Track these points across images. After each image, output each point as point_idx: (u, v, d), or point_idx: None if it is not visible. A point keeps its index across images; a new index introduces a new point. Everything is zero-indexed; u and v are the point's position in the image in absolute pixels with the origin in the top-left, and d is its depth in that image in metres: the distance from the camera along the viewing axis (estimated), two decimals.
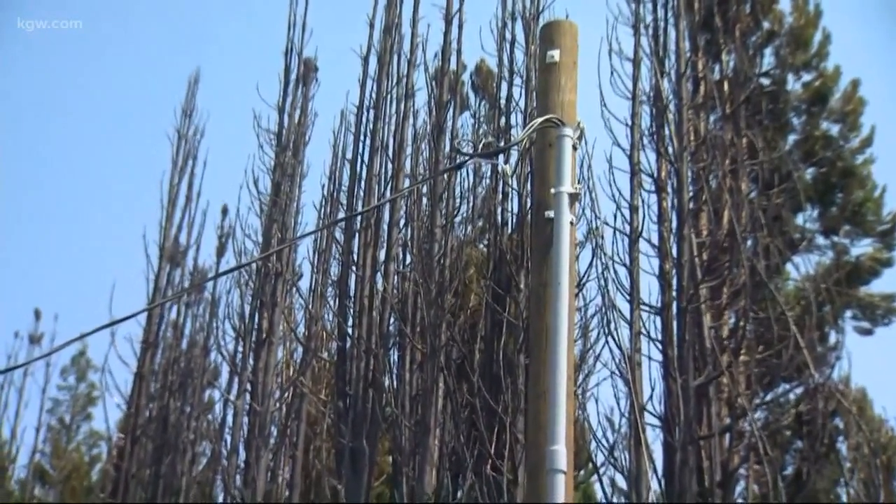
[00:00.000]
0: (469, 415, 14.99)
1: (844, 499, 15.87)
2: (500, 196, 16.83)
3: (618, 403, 14.86)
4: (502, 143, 15.69)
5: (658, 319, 14.83)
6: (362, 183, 17.72)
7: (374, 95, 18.14)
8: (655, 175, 15.53)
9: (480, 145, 18.57)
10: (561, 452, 5.12)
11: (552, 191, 5.67)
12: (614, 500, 15.33)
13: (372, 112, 18.08)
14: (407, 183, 17.44)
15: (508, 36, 17.50)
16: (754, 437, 14.40)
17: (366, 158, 17.83)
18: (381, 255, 17.15)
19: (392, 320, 16.68)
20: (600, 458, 14.91)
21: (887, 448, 16.70)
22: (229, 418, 18.01)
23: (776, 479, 14.23)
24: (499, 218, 16.72)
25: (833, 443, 15.20)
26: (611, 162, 15.44)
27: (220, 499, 17.98)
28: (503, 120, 17.27)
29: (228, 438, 17.85)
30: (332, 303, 17.92)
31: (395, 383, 16.17)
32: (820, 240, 18.12)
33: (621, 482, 14.95)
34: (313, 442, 17.99)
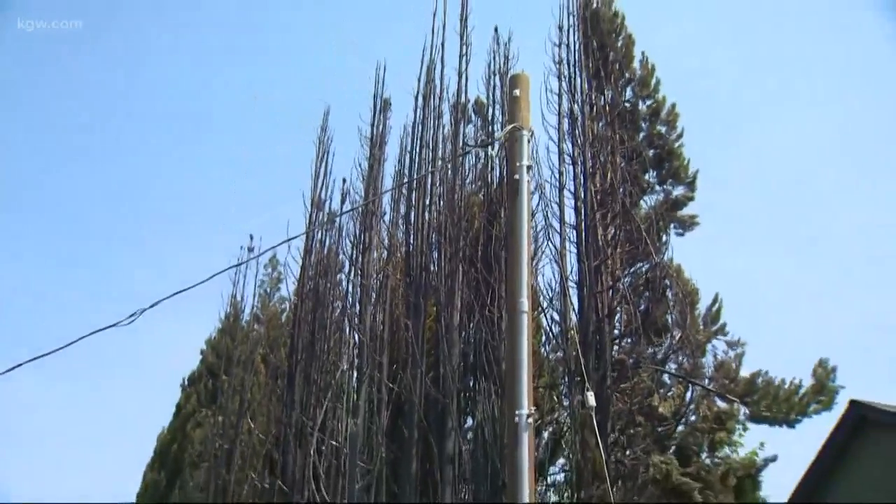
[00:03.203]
0: (476, 284, 15.05)
1: (670, 321, 15.78)
2: (490, 168, 16.75)
3: (554, 276, 14.97)
4: (490, 140, 15.54)
5: (574, 231, 14.82)
6: (416, 163, 17.60)
7: (422, 116, 17.94)
8: (572, 155, 15.45)
9: (478, 141, 18.34)
10: (525, 302, 5.17)
11: (517, 164, 5.63)
12: (553, 327, 15.39)
13: (420, 125, 17.88)
14: (440, 163, 17.28)
15: (492, 83, 17.35)
16: (625, 290, 14.45)
17: (418, 150, 17.68)
18: (427, 201, 17.07)
19: (434, 235, 16.63)
20: (545, 304, 15.02)
21: (691, 294, 16.55)
22: (350, 289, 18.10)
23: (636, 312, 14.30)
24: (489, 179, 16.68)
25: (664, 292, 15.12)
26: (548, 148, 15.49)
27: (347, 330, 18.01)
28: (490, 128, 17.18)
29: (350, 299, 17.96)
30: (402, 227, 17.85)
31: (436, 268, 16.16)
32: (657, 188, 17.81)
33: (556, 317, 15.05)
34: (394, 300, 17.98)
